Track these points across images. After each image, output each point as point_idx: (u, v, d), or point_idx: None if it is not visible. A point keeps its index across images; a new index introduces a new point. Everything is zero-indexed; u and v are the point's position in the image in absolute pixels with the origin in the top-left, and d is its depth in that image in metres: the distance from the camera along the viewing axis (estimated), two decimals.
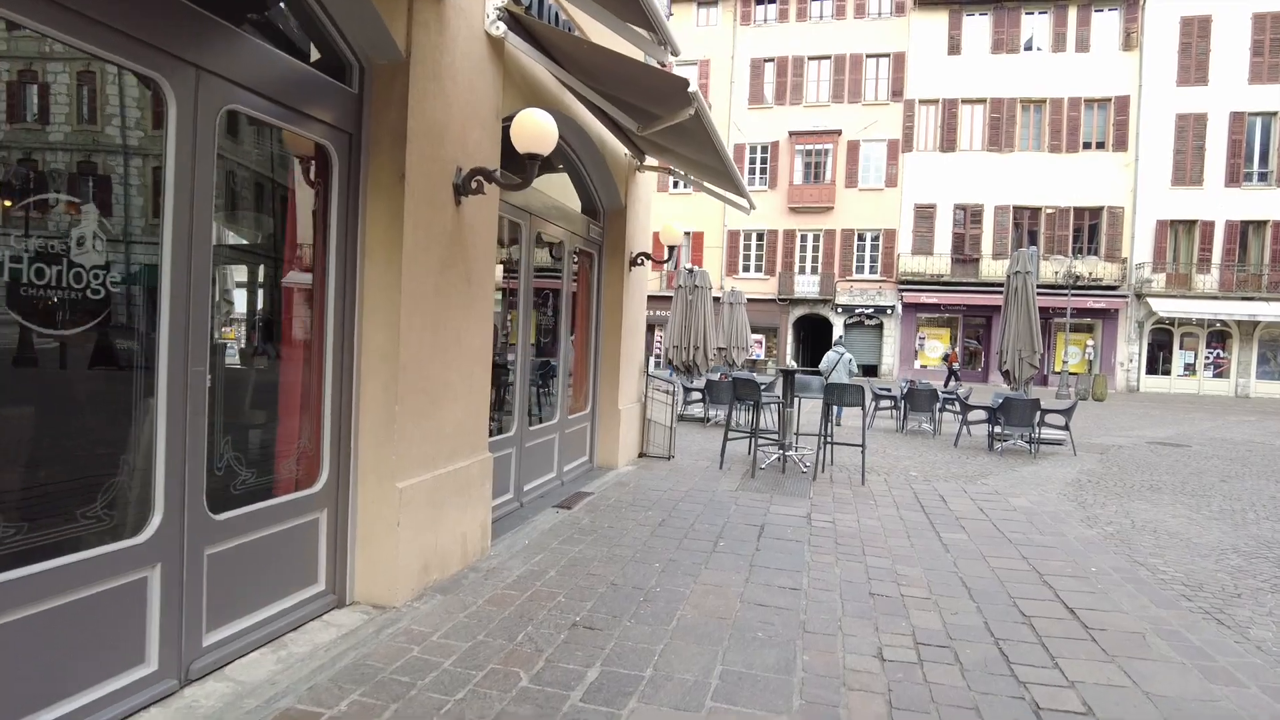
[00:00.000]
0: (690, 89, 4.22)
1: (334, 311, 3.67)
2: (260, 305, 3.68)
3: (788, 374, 8.38)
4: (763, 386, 8.70)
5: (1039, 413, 10.36)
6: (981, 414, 11.50)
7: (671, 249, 7.71)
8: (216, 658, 3.01)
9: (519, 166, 4.16)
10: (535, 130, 3.82)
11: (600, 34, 5.80)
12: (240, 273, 3.57)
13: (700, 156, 6.32)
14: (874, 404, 13.62)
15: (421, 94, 3.79)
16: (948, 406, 12.77)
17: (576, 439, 7.27)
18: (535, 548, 4.98)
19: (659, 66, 5.10)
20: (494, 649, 3.37)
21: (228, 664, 3.05)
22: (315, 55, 3.60)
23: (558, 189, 6.71)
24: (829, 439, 8.28)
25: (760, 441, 8.44)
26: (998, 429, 10.72)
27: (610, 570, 4.57)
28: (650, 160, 7.91)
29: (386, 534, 3.77)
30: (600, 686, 3.07)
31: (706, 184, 7.91)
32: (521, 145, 3.86)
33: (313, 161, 3.61)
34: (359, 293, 3.74)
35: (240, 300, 3.59)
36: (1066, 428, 10.71)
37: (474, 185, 4.17)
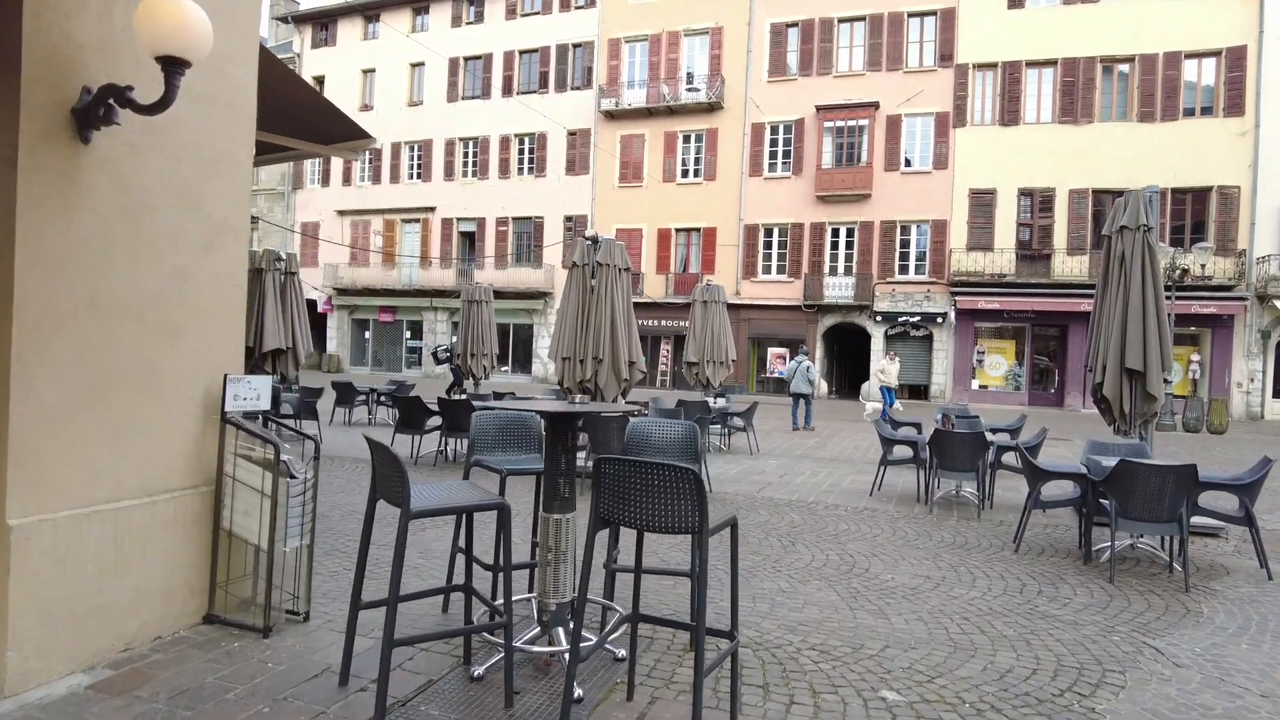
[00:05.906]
0: None
1: None
2: None
3: (557, 421, 3.35)
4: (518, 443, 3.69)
5: (1195, 489, 5.11)
6: (1068, 487, 6.20)
7: (171, 68, 2.88)
8: None
9: None
10: None
11: None
12: None
13: None
14: (884, 454, 8.35)
15: None
16: (1004, 464, 7.55)
17: None
18: None
19: None
20: None
21: None
22: None
23: None
24: (695, 601, 3.30)
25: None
26: (1101, 518, 5.52)
27: None
28: None
29: None
30: None
31: None
32: None
33: None
34: None
35: None
36: (1247, 517, 5.41)
37: None
